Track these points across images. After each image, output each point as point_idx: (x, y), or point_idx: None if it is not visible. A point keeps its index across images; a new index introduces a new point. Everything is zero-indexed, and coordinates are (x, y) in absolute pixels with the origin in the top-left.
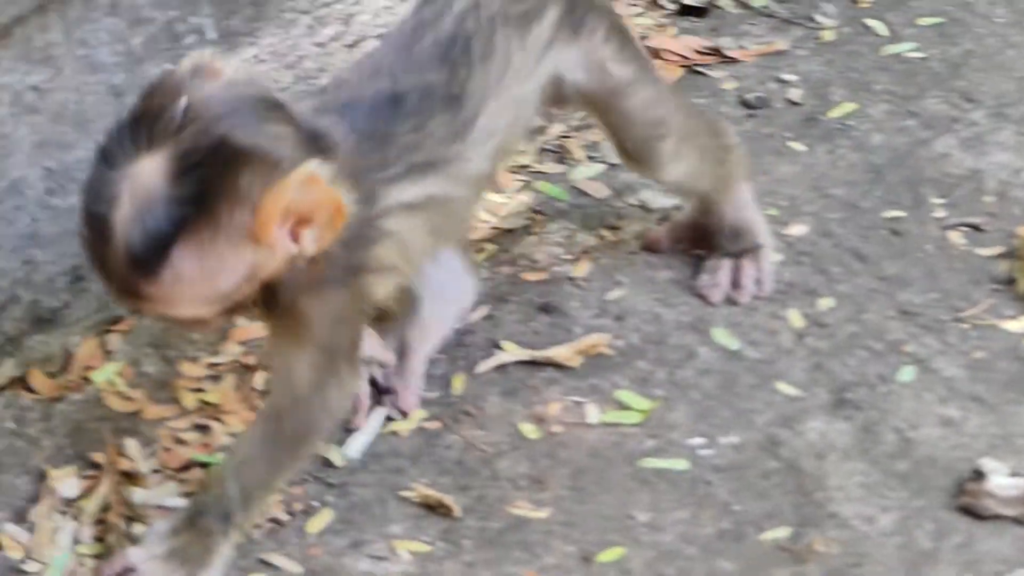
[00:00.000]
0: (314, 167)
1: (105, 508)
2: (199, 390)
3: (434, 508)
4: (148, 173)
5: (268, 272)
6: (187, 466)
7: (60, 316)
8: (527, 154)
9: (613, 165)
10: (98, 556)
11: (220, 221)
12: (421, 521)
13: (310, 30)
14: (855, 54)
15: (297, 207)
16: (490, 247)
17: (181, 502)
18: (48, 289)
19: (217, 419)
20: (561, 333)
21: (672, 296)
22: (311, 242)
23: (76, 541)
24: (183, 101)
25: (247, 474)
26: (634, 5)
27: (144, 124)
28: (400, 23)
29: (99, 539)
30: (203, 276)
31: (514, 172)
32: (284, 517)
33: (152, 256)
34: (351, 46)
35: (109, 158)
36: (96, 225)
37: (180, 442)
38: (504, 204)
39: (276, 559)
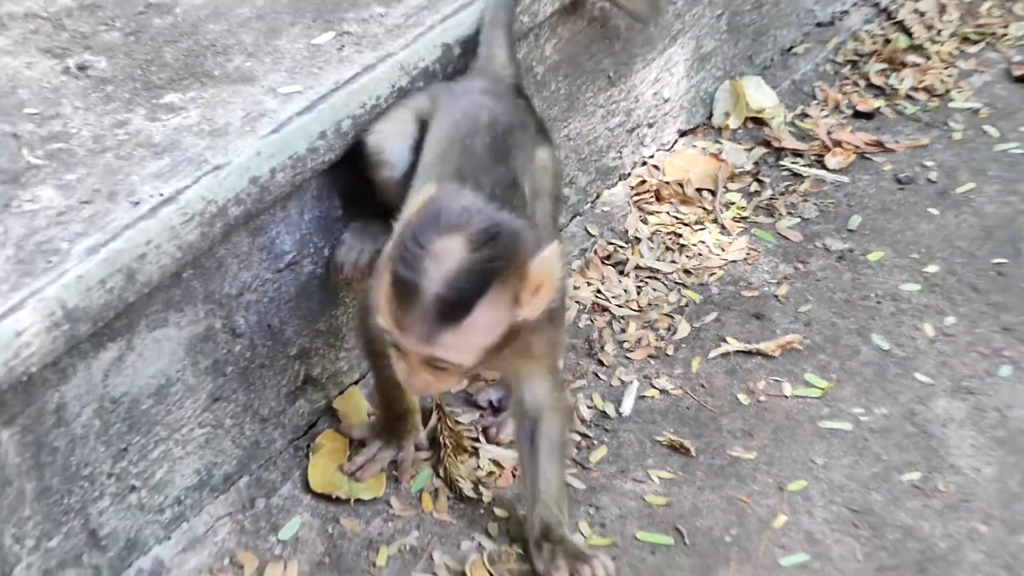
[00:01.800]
0: (556, 248)
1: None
2: None
3: (677, 448)
4: (452, 250)
5: (514, 326)
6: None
7: None
8: (747, 209)
9: (805, 219)
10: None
11: (508, 285)
12: (668, 457)
13: (603, 119)
14: (975, 149)
15: (542, 277)
16: (720, 272)
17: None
18: None
19: None
20: (767, 333)
21: (844, 311)
22: (539, 304)
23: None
24: (465, 198)
25: (556, 485)
26: (823, 110)
27: (439, 218)
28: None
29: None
30: (487, 328)
31: (736, 222)
32: (574, 451)
33: (460, 310)
34: (630, 131)
35: (418, 241)
36: (409, 288)
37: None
38: (730, 243)
39: (568, 479)
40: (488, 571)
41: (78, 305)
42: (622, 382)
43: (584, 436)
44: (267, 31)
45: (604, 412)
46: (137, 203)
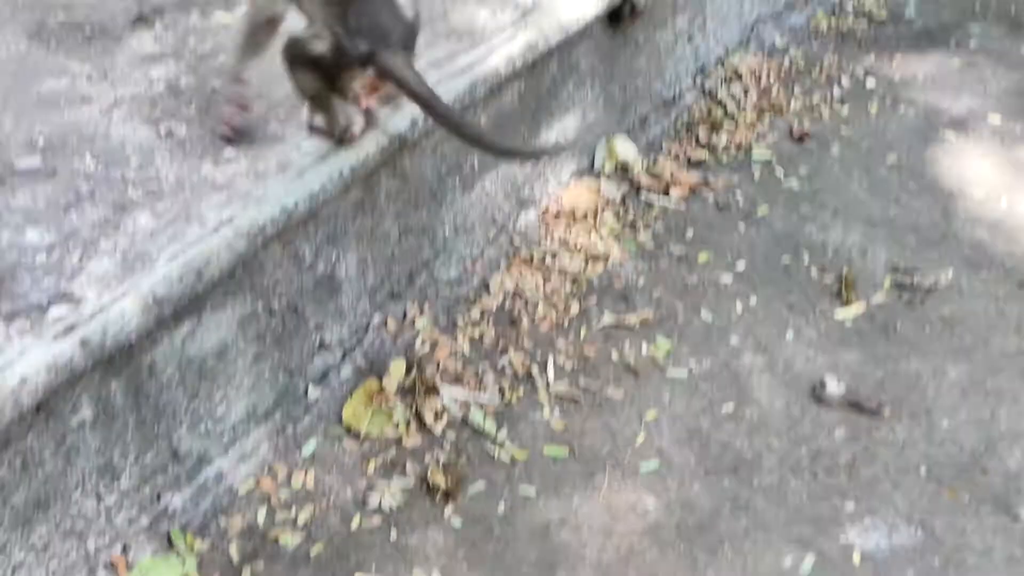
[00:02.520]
0: None
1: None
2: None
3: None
4: None
5: None
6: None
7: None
8: (617, 226)
9: (656, 233)
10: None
11: None
12: (562, 401)
13: (521, 165)
14: (768, 185)
15: None
16: (599, 269)
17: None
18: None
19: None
20: (631, 310)
21: (682, 295)
22: None
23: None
24: None
25: None
26: (668, 159)
27: None
28: None
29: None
30: None
31: (610, 235)
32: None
33: None
34: (539, 173)
35: None
36: None
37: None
38: (606, 250)
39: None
40: (443, 476)
41: (164, 295)
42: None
43: (511, 387)
44: (293, 107)
45: (530, 372)
46: (204, 224)
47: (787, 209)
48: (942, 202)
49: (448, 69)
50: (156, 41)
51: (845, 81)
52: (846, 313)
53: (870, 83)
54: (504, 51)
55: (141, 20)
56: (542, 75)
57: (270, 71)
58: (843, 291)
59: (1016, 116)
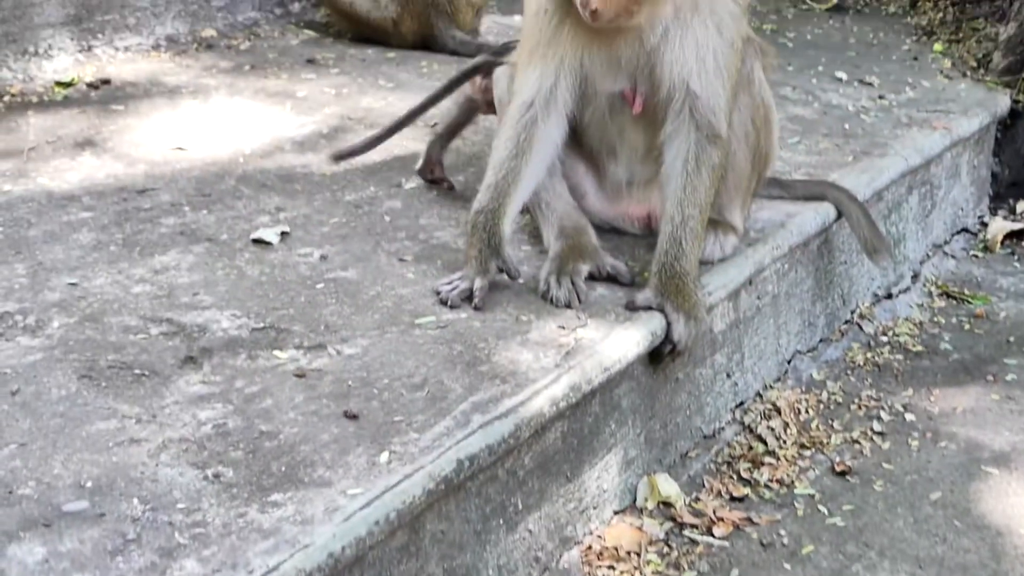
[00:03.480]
0: None
1: None
2: None
3: None
4: None
5: None
6: None
7: None
8: (661, 565)
9: (701, 572)
10: None
11: None
12: None
13: (563, 504)
14: (813, 522)
15: None
16: None
17: None
18: None
19: None
20: None
21: None
22: None
23: None
24: None
25: None
26: (710, 495)
27: None
28: None
29: None
30: None
31: (654, 574)
32: None
33: None
34: (581, 511)
35: None
36: None
37: None
38: None
39: None
40: None
41: None
42: None
43: None
44: (340, 451)
45: None
46: (251, 572)
47: (832, 548)
48: (990, 541)
49: (492, 412)
50: (204, 382)
51: (884, 415)
52: None
53: (909, 417)
54: (548, 393)
55: (190, 361)
56: (585, 415)
57: (305, 420)
58: None
59: None
